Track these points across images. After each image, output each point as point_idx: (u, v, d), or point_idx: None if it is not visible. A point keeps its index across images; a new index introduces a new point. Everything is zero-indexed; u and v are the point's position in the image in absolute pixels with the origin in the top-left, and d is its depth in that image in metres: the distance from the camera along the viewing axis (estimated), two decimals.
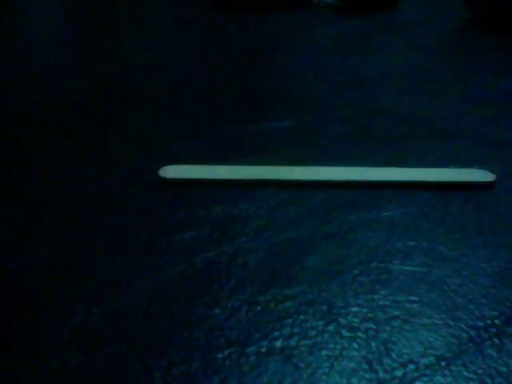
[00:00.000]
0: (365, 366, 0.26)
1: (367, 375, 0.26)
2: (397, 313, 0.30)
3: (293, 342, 0.28)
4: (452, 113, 0.56)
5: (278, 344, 0.28)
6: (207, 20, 0.99)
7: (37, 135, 0.52)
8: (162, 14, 1.06)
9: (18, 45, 0.83)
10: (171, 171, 0.43)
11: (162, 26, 0.95)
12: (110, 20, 1.00)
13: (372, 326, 0.29)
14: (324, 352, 0.27)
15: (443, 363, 0.27)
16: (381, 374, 0.26)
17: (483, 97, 0.61)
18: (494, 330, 0.29)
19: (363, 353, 0.27)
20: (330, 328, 0.29)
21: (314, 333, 0.28)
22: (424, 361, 0.27)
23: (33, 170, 0.45)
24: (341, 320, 0.29)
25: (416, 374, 0.26)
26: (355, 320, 0.29)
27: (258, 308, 0.30)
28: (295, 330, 0.29)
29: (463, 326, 0.29)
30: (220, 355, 0.27)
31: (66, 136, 0.51)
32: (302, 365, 0.27)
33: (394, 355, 0.27)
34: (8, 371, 0.26)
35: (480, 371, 0.26)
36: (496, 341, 0.28)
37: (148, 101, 0.60)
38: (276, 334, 0.28)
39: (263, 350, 0.27)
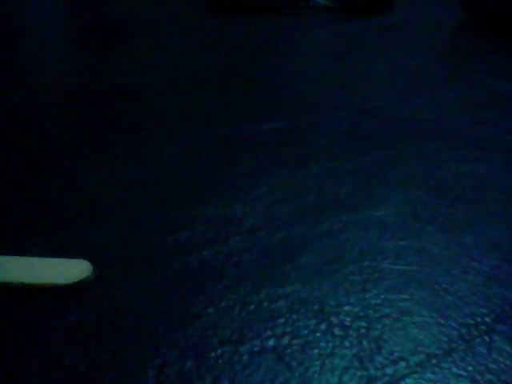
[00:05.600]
0: (356, 364, 0.27)
1: (358, 373, 0.26)
2: (388, 311, 0.30)
3: (285, 340, 0.28)
4: (446, 114, 0.57)
5: (271, 343, 0.28)
6: (204, 22, 0.99)
7: (32, 134, 0.52)
8: (162, 15, 1.06)
9: (18, 43, 0.83)
10: None
11: (160, 27, 0.95)
12: (108, 21, 1.00)
13: (363, 324, 0.29)
14: (316, 350, 0.28)
15: (434, 361, 0.27)
16: (372, 372, 0.26)
17: (478, 98, 0.61)
18: (484, 327, 0.29)
19: (354, 351, 0.28)
20: (322, 327, 0.29)
21: (305, 332, 0.29)
22: (415, 358, 0.27)
23: (29, 169, 0.45)
24: (333, 319, 0.30)
25: (407, 372, 0.26)
26: (347, 319, 0.30)
27: (251, 307, 0.30)
28: (287, 329, 0.29)
29: (453, 324, 0.29)
30: (213, 354, 0.27)
31: (60, 135, 0.52)
32: (294, 363, 0.27)
33: (385, 353, 0.27)
34: (3, 368, 0.27)
35: (470, 368, 0.27)
36: (486, 338, 0.28)
37: (145, 101, 0.60)
38: (268, 333, 0.29)
39: (256, 349, 0.28)
